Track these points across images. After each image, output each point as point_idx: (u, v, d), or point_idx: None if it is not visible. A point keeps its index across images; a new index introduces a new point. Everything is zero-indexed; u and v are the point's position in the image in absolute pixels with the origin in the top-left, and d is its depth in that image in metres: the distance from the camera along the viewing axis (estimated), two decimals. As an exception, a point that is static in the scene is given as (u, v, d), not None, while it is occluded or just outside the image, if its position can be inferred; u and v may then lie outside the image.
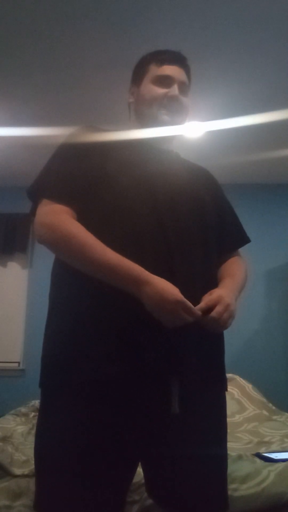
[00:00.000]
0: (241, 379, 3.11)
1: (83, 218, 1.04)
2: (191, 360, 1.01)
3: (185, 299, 0.94)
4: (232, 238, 1.28)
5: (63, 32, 2.19)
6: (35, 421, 1.11)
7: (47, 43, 2.27)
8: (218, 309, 0.99)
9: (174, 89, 1.16)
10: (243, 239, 1.32)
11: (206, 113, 2.88)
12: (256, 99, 2.71)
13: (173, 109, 1.17)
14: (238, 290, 1.13)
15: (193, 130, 3.09)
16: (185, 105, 1.20)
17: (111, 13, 2.07)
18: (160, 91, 1.17)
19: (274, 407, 2.92)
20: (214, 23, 2.13)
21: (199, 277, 1.05)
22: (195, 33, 2.20)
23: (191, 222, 1.10)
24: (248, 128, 2.98)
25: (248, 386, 3.06)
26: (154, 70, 1.19)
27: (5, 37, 2.23)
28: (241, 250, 1.34)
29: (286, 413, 2.80)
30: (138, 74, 1.23)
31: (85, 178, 1.06)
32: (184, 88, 1.20)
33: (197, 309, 0.96)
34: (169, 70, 1.18)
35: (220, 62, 2.40)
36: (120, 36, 2.21)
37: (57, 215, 1.02)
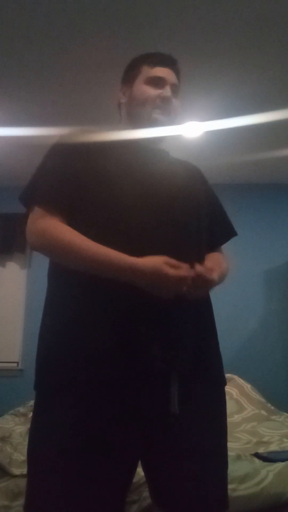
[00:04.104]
0: (240, 379, 3.11)
1: (78, 220, 1.05)
2: (190, 356, 1.01)
3: (168, 271, 0.93)
4: (220, 233, 1.29)
5: (63, 32, 2.19)
6: (34, 421, 1.10)
7: (47, 43, 2.27)
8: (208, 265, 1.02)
9: (167, 90, 1.19)
10: (230, 233, 1.33)
11: (204, 113, 2.88)
12: (254, 99, 2.72)
13: (165, 110, 1.19)
14: (222, 275, 1.14)
15: (191, 130, 3.09)
16: (176, 107, 1.23)
17: (111, 13, 2.07)
18: (154, 91, 1.19)
19: (273, 407, 2.92)
20: (213, 23, 2.13)
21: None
22: (194, 33, 2.20)
23: (186, 219, 1.11)
24: (246, 128, 2.98)
25: (247, 386, 3.06)
26: (146, 72, 1.21)
27: (5, 37, 2.22)
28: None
29: (285, 413, 2.81)
30: (130, 75, 1.25)
31: (75, 181, 1.06)
32: (175, 90, 1.22)
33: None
34: (162, 72, 1.20)
35: (219, 62, 2.40)
36: (120, 36, 2.21)
37: (44, 221, 1.04)
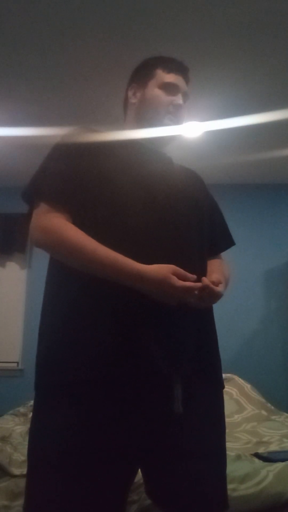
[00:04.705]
0: (240, 379, 3.11)
1: (81, 219, 1.05)
2: (191, 358, 1.02)
3: (176, 282, 0.94)
4: (220, 242, 1.30)
5: (63, 33, 2.19)
6: (34, 421, 1.09)
7: (47, 43, 2.27)
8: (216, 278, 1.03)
9: (179, 98, 1.20)
10: (229, 243, 1.34)
11: (204, 113, 2.88)
12: (254, 99, 2.72)
13: (176, 117, 1.20)
14: (226, 286, 1.15)
15: (191, 130, 3.10)
16: (184, 115, 1.24)
17: (111, 15, 2.07)
18: (167, 98, 1.20)
19: (273, 407, 2.92)
20: (213, 23, 2.13)
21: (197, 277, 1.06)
22: (194, 33, 2.20)
23: (189, 223, 1.11)
24: (246, 128, 2.99)
25: (247, 386, 3.06)
26: (161, 76, 1.21)
27: (6, 38, 2.23)
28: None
29: (285, 413, 2.81)
30: (143, 76, 1.24)
31: (80, 179, 1.06)
32: (185, 99, 1.24)
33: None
34: (176, 79, 1.21)
35: (219, 62, 2.40)
36: (120, 37, 2.21)
37: (51, 219, 1.04)
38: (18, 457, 1.82)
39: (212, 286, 0.99)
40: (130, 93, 1.26)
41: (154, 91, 1.20)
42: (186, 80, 1.25)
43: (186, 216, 1.11)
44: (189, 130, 3.08)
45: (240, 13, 2.06)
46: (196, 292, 0.97)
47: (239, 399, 2.93)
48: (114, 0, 2.00)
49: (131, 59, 1.28)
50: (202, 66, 2.41)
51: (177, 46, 2.24)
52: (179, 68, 1.23)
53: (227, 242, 1.33)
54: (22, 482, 1.61)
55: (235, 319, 3.62)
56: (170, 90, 1.20)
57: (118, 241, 1.00)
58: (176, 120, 1.21)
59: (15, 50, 2.32)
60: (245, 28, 2.16)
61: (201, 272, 1.08)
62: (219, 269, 1.19)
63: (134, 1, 2.01)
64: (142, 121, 1.22)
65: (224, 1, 2.01)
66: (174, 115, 1.20)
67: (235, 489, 1.55)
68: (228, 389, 2.92)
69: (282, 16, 2.08)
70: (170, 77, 1.21)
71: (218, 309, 1.17)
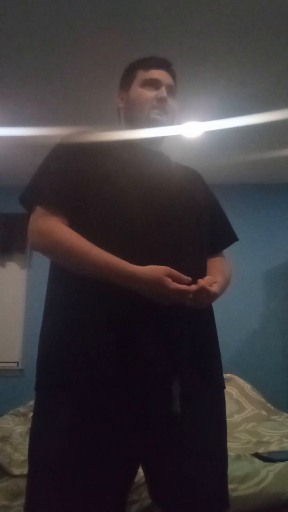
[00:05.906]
0: (240, 379, 3.11)
1: (78, 221, 1.05)
2: (190, 358, 1.02)
3: (169, 284, 0.94)
4: (222, 238, 1.30)
5: (63, 32, 2.19)
6: (34, 421, 1.09)
7: (47, 44, 2.27)
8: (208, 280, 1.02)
9: (163, 91, 1.20)
10: (232, 238, 1.34)
11: (204, 113, 2.88)
12: (254, 99, 2.72)
13: (162, 110, 1.20)
14: (224, 285, 1.14)
15: (191, 130, 3.10)
16: (173, 107, 1.23)
17: (110, 15, 2.07)
18: (149, 93, 1.20)
19: (273, 407, 2.92)
20: (212, 23, 2.13)
21: (196, 277, 1.06)
22: (193, 33, 2.20)
23: (188, 222, 1.11)
24: (246, 128, 2.99)
25: (247, 386, 3.06)
26: (141, 75, 1.22)
27: (5, 37, 2.22)
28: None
29: (285, 413, 2.81)
30: (126, 80, 1.26)
31: (76, 182, 1.07)
32: (171, 90, 1.23)
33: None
34: (156, 74, 1.21)
35: (219, 62, 2.40)
36: (119, 37, 2.21)
37: (46, 222, 1.05)
38: (18, 457, 1.82)
39: (207, 288, 0.99)
40: (118, 99, 1.28)
41: (136, 90, 1.21)
42: (171, 73, 1.25)
43: (183, 215, 1.11)
44: (189, 130, 3.08)
45: (240, 13, 2.06)
46: (190, 295, 0.97)
47: (239, 399, 2.93)
48: (115, 1, 2.00)
49: (131, 59, 1.28)
50: (202, 66, 2.41)
51: (177, 46, 2.25)
52: (159, 63, 1.24)
53: (228, 238, 1.32)
54: (22, 482, 1.61)
55: (235, 319, 3.62)
56: (152, 85, 1.20)
57: (116, 242, 1.01)
58: (164, 114, 1.20)
59: (15, 50, 2.32)
60: (245, 28, 2.16)
61: (199, 271, 1.08)
62: (218, 268, 1.18)
63: (134, 1, 2.01)
64: (131, 122, 1.22)
65: (224, 1, 2.01)
66: (160, 109, 1.19)
67: (235, 489, 1.55)
68: (228, 389, 2.92)
69: (283, 16, 2.08)
70: (150, 74, 1.21)
71: (218, 309, 1.17)
